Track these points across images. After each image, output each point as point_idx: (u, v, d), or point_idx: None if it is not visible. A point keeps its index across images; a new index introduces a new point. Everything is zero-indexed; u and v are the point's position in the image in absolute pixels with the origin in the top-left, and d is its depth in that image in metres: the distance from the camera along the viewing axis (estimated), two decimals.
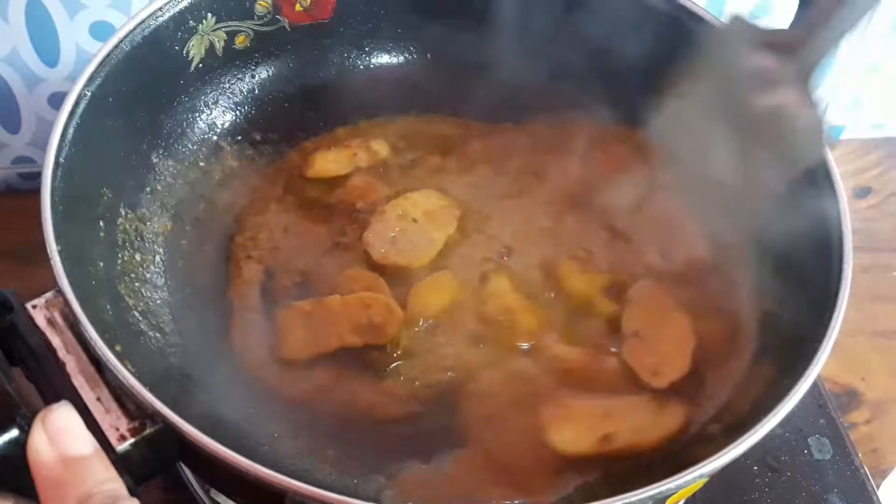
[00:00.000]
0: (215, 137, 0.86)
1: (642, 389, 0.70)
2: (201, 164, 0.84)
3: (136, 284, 0.75)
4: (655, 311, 0.74)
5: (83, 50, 1.09)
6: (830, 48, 0.64)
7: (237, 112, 0.87)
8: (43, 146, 1.15)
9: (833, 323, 0.62)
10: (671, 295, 0.75)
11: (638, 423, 0.67)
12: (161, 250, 0.78)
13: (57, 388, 0.58)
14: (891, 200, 1.27)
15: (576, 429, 0.67)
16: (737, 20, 0.71)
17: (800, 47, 0.65)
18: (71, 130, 0.68)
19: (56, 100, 1.13)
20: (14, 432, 0.49)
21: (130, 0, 1.05)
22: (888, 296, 1.15)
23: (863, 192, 1.27)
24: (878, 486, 0.91)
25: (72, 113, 0.69)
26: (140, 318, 0.73)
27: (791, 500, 0.82)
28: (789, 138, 0.67)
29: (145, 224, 0.78)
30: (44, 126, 1.16)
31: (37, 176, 1.19)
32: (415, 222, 0.80)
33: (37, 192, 1.18)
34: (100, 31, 1.08)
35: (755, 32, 0.68)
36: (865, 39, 0.78)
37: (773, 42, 0.66)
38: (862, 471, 0.85)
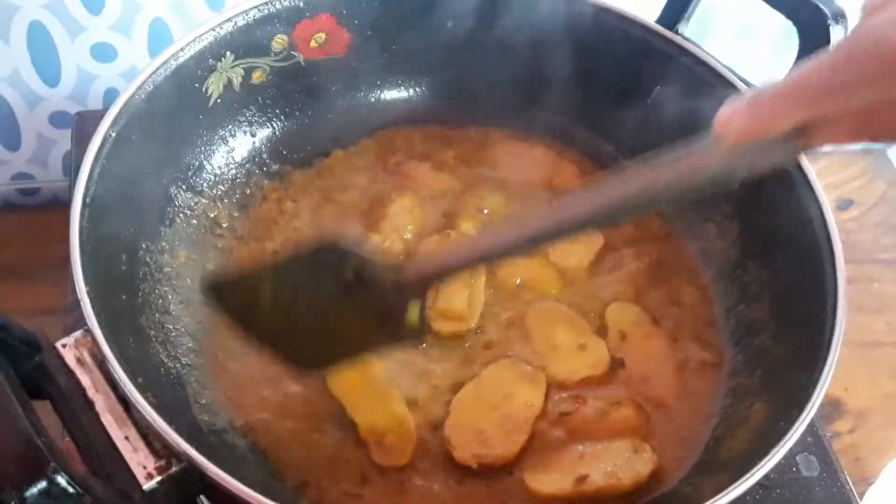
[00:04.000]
0: (233, 168, 0.88)
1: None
2: (219, 194, 0.87)
3: (157, 315, 0.77)
4: None
5: (84, 70, 1.12)
6: None
7: (253, 143, 0.90)
8: (43, 163, 1.20)
9: (826, 372, 0.65)
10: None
11: (611, 467, 0.70)
12: (180, 281, 0.81)
13: (85, 426, 0.61)
14: (872, 212, 1.30)
15: (551, 470, 0.71)
16: None
17: None
18: (97, 171, 0.71)
19: (56, 118, 1.17)
20: (43, 484, 0.51)
21: (132, 23, 1.08)
22: (870, 306, 1.18)
23: (845, 204, 1.30)
24: (861, 495, 0.94)
25: (97, 154, 0.71)
26: (160, 349, 0.75)
27: None
28: None
29: (164, 256, 0.80)
30: (44, 143, 1.19)
31: (36, 192, 1.23)
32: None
33: (35, 208, 1.23)
34: (101, 52, 1.11)
35: None
36: None
37: None
38: (847, 486, 0.88)
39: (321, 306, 0.66)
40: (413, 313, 0.65)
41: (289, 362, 0.70)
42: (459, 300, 0.80)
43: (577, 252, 0.86)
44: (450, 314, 0.80)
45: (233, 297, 0.69)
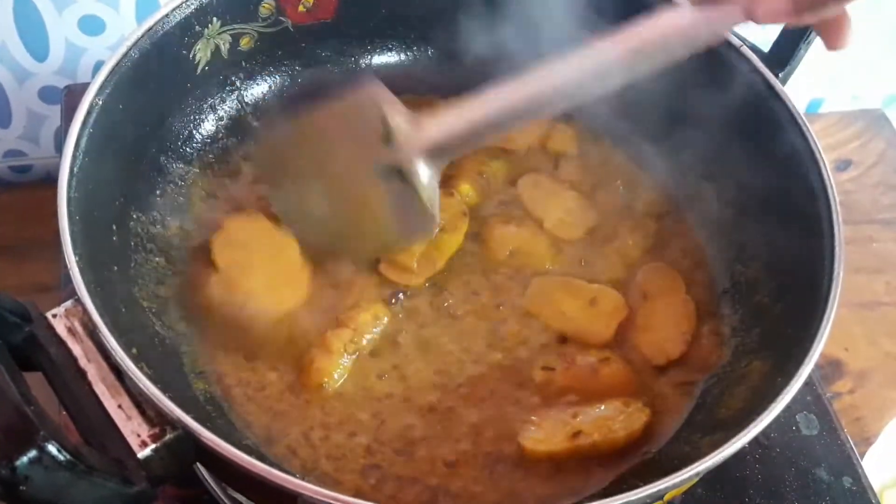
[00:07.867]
0: (222, 137, 0.87)
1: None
2: (209, 163, 0.86)
3: (151, 286, 0.77)
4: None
5: (72, 44, 1.11)
6: None
7: (243, 112, 0.89)
8: (34, 139, 1.19)
9: (823, 326, 0.65)
10: None
11: (605, 421, 0.71)
12: (172, 251, 0.80)
13: (78, 396, 0.61)
14: (871, 172, 1.29)
15: (545, 429, 0.71)
16: None
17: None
18: (84, 140, 0.70)
19: (46, 93, 1.15)
20: (33, 453, 0.51)
21: None
22: (869, 267, 1.18)
23: (843, 165, 1.29)
24: (862, 455, 0.94)
25: (84, 122, 0.70)
26: (154, 320, 0.75)
27: (780, 475, 0.85)
28: None
29: (156, 226, 0.80)
30: (35, 119, 1.18)
31: (28, 169, 1.22)
32: None
33: (28, 185, 1.22)
34: (88, 25, 1.09)
35: None
36: None
37: None
38: (848, 445, 0.88)
39: (347, 183, 0.70)
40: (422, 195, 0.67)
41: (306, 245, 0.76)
42: (409, 254, 0.80)
43: (573, 222, 0.86)
44: (397, 263, 0.80)
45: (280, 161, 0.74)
